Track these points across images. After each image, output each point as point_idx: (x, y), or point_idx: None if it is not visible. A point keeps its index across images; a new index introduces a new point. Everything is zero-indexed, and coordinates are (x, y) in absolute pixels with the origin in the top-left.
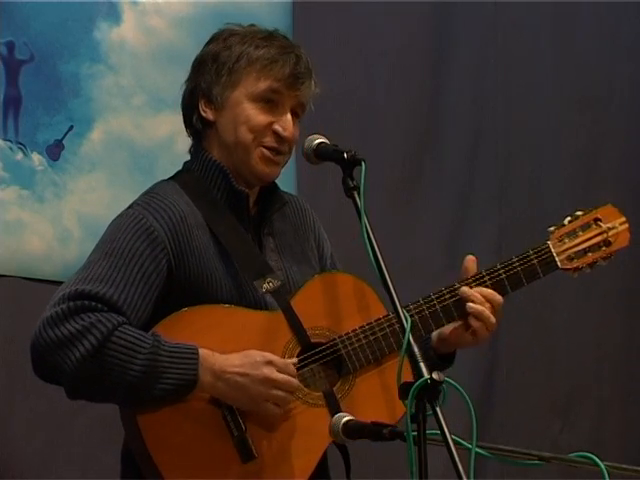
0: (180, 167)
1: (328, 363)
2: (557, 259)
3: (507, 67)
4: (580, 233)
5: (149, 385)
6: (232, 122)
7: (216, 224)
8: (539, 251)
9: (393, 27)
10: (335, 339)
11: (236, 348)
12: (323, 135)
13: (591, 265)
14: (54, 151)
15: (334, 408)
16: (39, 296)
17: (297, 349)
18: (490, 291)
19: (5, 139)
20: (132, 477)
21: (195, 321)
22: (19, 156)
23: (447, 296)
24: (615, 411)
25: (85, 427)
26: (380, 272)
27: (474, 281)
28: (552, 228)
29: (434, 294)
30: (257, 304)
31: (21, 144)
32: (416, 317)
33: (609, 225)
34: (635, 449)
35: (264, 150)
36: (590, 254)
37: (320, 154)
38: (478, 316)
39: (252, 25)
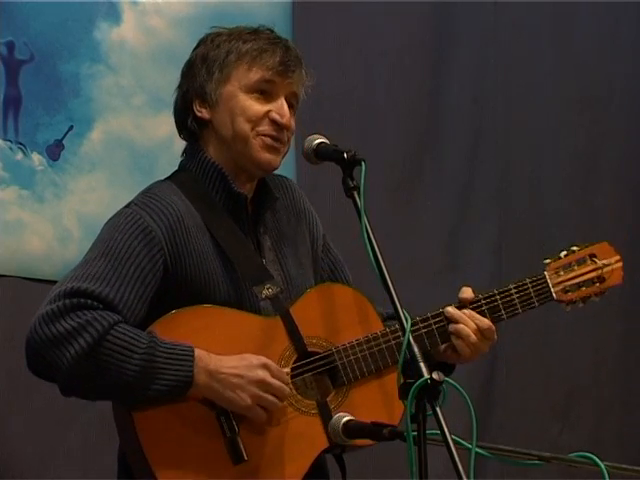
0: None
1: (323, 373)
2: (553, 290)
3: (507, 67)
4: (575, 267)
5: (144, 384)
6: (228, 116)
7: (216, 227)
8: (536, 281)
9: (393, 27)
10: (331, 350)
11: (233, 350)
12: (323, 135)
13: (584, 300)
14: (54, 151)
15: (327, 418)
16: (39, 296)
17: (294, 356)
18: (475, 313)
19: (5, 139)
20: (129, 478)
21: (193, 320)
22: (19, 156)
23: (438, 318)
24: (615, 411)
25: (85, 427)
26: (380, 272)
27: (470, 304)
28: (548, 260)
29: (431, 315)
30: (255, 309)
31: (21, 144)
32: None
33: (604, 262)
34: (635, 449)
35: (263, 138)
36: (584, 288)
37: (320, 154)
38: (457, 334)
39: (238, 26)
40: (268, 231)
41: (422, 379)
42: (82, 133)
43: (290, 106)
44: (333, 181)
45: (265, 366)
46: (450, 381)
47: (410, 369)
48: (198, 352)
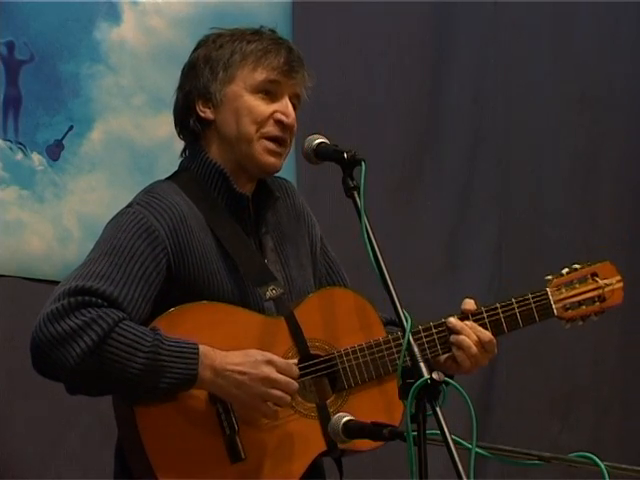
0: (171, 174)
1: (323, 376)
2: (554, 307)
3: (507, 67)
4: (577, 285)
5: (149, 381)
6: (233, 116)
7: (218, 228)
8: (537, 297)
9: (393, 27)
10: (333, 354)
11: (237, 347)
12: (323, 135)
13: (584, 318)
14: (54, 151)
15: (325, 421)
16: (39, 296)
17: (295, 358)
18: (477, 325)
19: (5, 139)
20: (125, 475)
21: (197, 317)
22: (19, 156)
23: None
24: (615, 412)
25: (85, 427)
26: (380, 272)
27: (472, 316)
28: (550, 277)
29: (434, 324)
30: (259, 310)
31: (21, 144)
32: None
33: (606, 281)
34: (635, 449)
35: (267, 142)
36: (584, 307)
37: (320, 154)
38: (458, 345)
39: (236, 28)
40: (270, 231)
41: (422, 379)
42: (82, 133)
43: (294, 106)
44: (333, 181)
45: (270, 362)
46: (450, 381)
47: (410, 374)
48: (203, 348)
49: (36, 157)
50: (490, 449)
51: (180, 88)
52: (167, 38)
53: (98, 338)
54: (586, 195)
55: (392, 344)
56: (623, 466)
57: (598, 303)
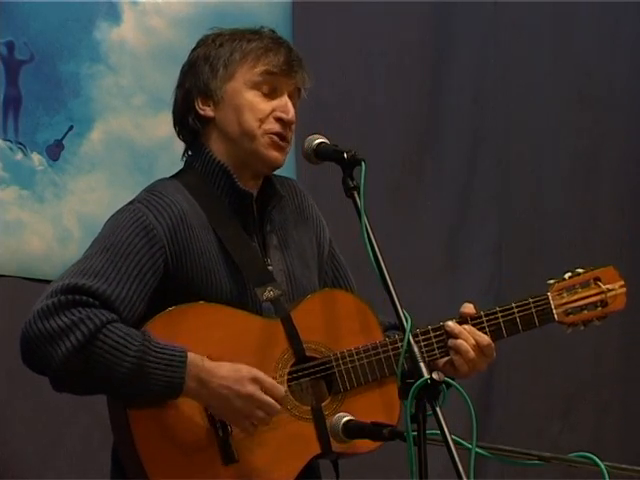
0: (180, 167)
1: (319, 379)
2: (555, 312)
3: (507, 67)
4: (579, 290)
5: (133, 386)
6: (234, 112)
7: (220, 227)
8: (538, 301)
9: (393, 27)
10: (329, 356)
11: (232, 349)
12: (323, 135)
13: (585, 323)
14: (54, 151)
15: (321, 424)
16: (39, 296)
17: (292, 360)
18: (475, 330)
19: (5, 139)
20: (121, 475)
21: (193, 317)
22: (19, 156)
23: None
24: (615, 411)
25: (85, 427)
26: (380, 272)
27: (471, 320)
28: (552, 281)
29: (432, 328)
30: (257, 311)
31: (21, 144)
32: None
33: (608, 286)
34: (635, 449)
35: (271, 136)
36: (586, 312)
37: (320, 154)
38: (456, 349)
39: (237, 27)
40: (275, 230)
41: (422, 379)
42: (82, 133)
43: (293, 105)
44: (333, 181)
45: (256, 380)
46: (450, 381)
47: (409, 376)
48: (191, 357)
49: (36, 157)
50: (490, 449)
51: (179, 87)
52: (167, 38)
53: (84, 338)
54: (586, 195)
55: (389, 347)
56: (623, 466)
57: (600, 308)
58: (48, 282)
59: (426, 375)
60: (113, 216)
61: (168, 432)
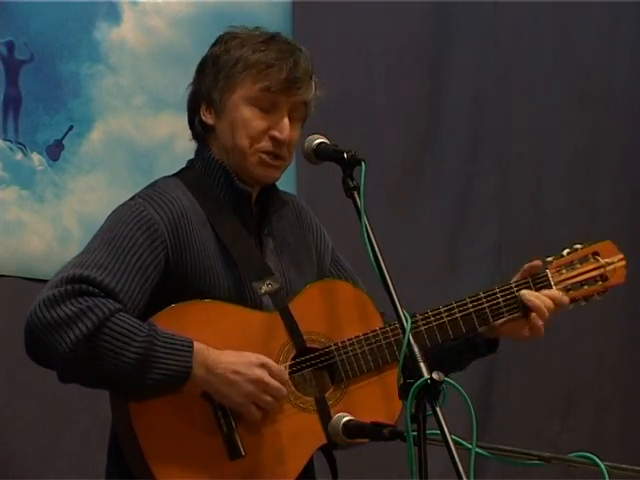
0: (180, 167)
1: (322, 369)
2: (555, 288)
3: (507, 67)
4: (578, 265)
5: (141, 374)
6: (230, 126)
7: (219, 223)
8: (538, 278)
9: (393, 27)
10: (330, 346)
11: (233, 345)
12: (323, 135)
13: (586, 298)
14: (54, 151)
15: (325, 414)
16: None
17: (292, 352)
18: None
19: (5, 139)
20: (117, 473)
21: (194, 314)
22: (19, 156)
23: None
24: (615, 411)
25: (84, 427)
26: (380, 272)
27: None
28: (550, 258)
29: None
30: (255, 305)
31: (21, 144)
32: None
33: (607, 260)
34: (635, 449)
35: (262, 155)
36: (586, 287)
37: (320, 154)
38: (537, 311)
39: (257, 28)
40: (272, 234)
41: (422, 379)
42: (82, 133)
43: (295, 119)
44: (333, 181)
45: (264, 365)
46: (450, 381)
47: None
48: (197, 345)
49: (36, 157)
50: (490, 449)
51: (193, 83)
52: (167, 38)
53: (93, 326)
54: (586, 195)
55: (390, 334)
56: (623, 466)
57: (600, 282)
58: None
59: (426, 375)
60: (115, 211)
61: (172, 429)
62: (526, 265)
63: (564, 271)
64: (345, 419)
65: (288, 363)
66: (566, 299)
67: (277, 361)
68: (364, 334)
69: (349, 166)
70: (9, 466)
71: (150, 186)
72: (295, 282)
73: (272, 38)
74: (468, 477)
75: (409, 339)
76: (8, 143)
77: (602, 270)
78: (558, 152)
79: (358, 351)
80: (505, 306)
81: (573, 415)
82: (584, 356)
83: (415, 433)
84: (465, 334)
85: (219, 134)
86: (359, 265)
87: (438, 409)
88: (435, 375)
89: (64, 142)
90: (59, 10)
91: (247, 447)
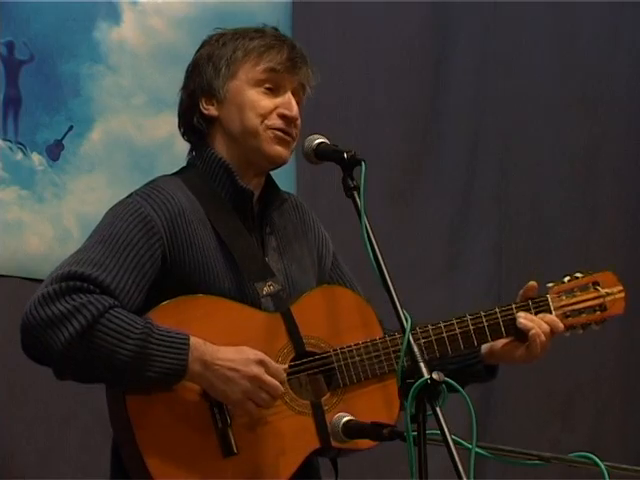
0: (180, 167)
1: (318, 374)
2: (554, 313)
3: (507, 67)
4: (578, 293)
5: (137, 370)
6: (237, 110)
7: (219, 222)
8: (538, 302)
9: (393, 27)
10: (329, 351)
11: (231, 341)
12: (323, 135)
13: (584, 326)
14: (54, 151)
15: (319, 419)
16: None
17: (291, 355)
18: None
19: (5, 139)
20: (120, 475)
21: (193, 308)
22: (19, 156)
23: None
24: (615, 411)
25: (85, 427)
26: (380, 272)
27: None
28: (551, 284)
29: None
30: (256, 306)
31: (21, 144)
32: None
33: (607, 290)
34: (635, 449)
35: (274, 131)
36: (585, 315)
37: (320, 154)
38: (532, 339)
39: (240, 27)
40: (274, 232)
41: (422, 379)
42: (82, 133)
43: (297, 102)
44: (333, 181)
45: (261, 362)
46: (450, 381)
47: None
48: (194, 340)
49: (36, 157)
50: (490, 449)
51: (184, 88)
52: (167, 38)
53: (87, 323)
54: (586, 195)
55: (389, 344)
56: (623, 466)
57: (599, 312)
58: None
59: (426, 375)
60: (112, 208)
61: (167, 424)
62: (522, 290)
63: (564, 297)
64: (345, 419)
65: (286, 365)
66: (561, 325)
67: (276, 362)
68: (364, 342)
69: (349, 166)
70: (9, 466)
71: (148, 184)
72: (298, 281)
73: (262, 28)
74: (468, 477)
75: (409, 339)
76: (8, 143)
77: (602, 300)
78: (558, 152)
79: (357, 358)
80: (504, 326)
81: (573, 415)
82: (584, 356)
83: (415, 433)
84: (462, 350)
85: (224, 122)
86: (359, 265)
87: (438, 409)
88: (435, 375)
89: (64, 142)
90: (59, 10)
91: (241, 446)
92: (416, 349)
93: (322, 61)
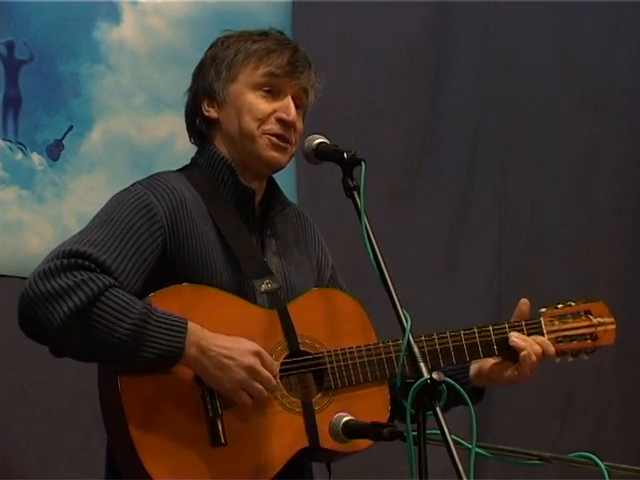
0: (180, 167)
1: (310, 374)
2: (546, 337)
3: (507, 67)
4: (570, 320)
5: (134, 349)
6: (235, 113)
7: (221, 219)
8: (531, 324)
9: (393, 27)
10: (323, 352)
11: (229, 334)
12: (323, 135)
13: (574, 353)
14: (54, 151)
15: (309, 418)
16: None
17: (285, 353)
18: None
19: (5, 139)
20: (115, 475)
21: (192, 298)
22: (19, 156)
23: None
24: (614, 411)
25: (85, 427)
26: (380, 272)
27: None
28: (544, 309)
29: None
30: (252, 302)
31: (21, 144)
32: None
33: (599, 320)
34: (635, 449)
35: (270, 137)
36: (576, 342)
37: (320, 154)
38: (523, 360)
39: (247, 29)
40: (275, 236)
41: (422, 379)
42: (82, 133)
43: (297, 106)
44: (333, 181)
45: (257, 353)
46: (450, 381)
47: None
48: (192, 325)
49: (36, 157)
50: (490, 449)
51: (190, 90)
52: (167, 38)
53: (87, 299)
54: (586, 195)
55: (382, 351)
56: (623, 466)
57: (590, 341)
58: None
59: (426, 375)
60: (115, 195)
61: (159, 407)
62: (516, 310)
63: (557, 322)
64: (345, 419)
65: (279, 362)
66: (552, 348)
67: None
68: (357, 346)
69: (349, 166)
70: (9, 466)
71: (152, 175)
72: (296, 284)
73: (267, 31)
74: (468, 477)
75: (409, 339)
76: (8, 143)
77: (593, 329)
78: (558, 152)
79: (349, 362)
80: (496, 343)
81: (573, 415)
82: None
83: (415, 433)
84: (454, 364)
85: (224, 125)
86: (359, 265)
87: (438, 409)
88: (435, 375)
89: (64, 142)
90: (59, 10)
91: (230, 436)
92: (416, 349)
93: (322, 61)
